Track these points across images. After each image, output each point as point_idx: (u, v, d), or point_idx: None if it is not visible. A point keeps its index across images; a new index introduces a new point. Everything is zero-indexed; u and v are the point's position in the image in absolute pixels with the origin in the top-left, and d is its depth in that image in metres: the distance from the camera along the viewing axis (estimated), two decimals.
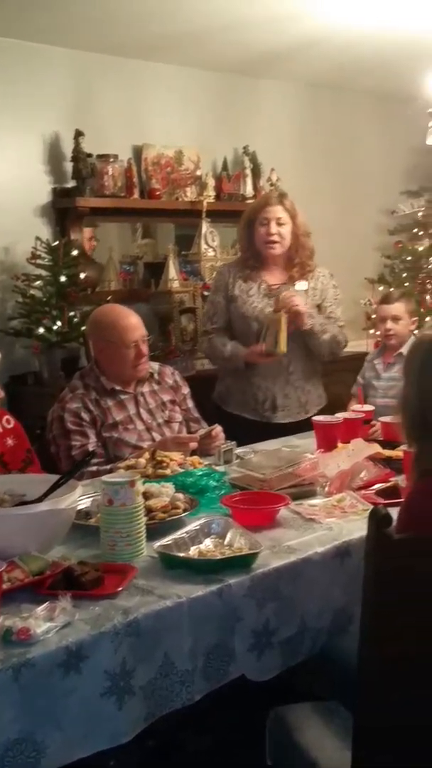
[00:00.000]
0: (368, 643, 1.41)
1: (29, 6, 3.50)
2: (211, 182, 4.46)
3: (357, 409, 2.97)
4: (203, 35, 3.98)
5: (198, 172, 4.51)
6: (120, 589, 1.66)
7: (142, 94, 4.33)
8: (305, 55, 4.39)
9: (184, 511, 2.05)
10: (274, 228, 3.17)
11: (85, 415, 2.80)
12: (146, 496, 2.08)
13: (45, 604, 1.58)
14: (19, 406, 3.84)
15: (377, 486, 2.28)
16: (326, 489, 2.28)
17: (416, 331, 3.59)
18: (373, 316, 4.37)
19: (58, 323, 3.67)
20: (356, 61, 4.51)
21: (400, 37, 4.05)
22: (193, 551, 1.83)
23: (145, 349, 2.84)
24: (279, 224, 3.17)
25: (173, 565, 1.77)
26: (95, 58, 4.12)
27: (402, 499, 1.85)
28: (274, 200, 3.22)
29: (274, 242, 3.18)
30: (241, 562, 1.76)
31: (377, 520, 1.29)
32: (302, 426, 3.12)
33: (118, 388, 2.86)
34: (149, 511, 2.02)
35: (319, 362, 3.34)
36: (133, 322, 2.87)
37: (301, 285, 3.21)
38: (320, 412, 3.34)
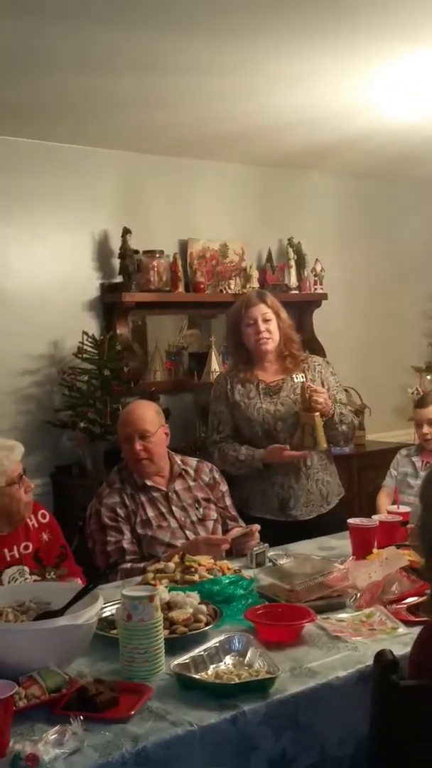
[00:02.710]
0: None
1: (84, 116, 3.70)
2: (255, 274, 4.53)
3: (392, 509, 2.91)
4: (248, 135, 4.12)
5: (243, 264, 4.60)
6: (132, 712, 1.64)
7: (188, 190, 4.48)
8: (349, 149, 4.48)
9: (207, 624, 2.02)
10: (262, 326, 3.15)
11: (120, 511, 2.81)
12: (170, 605, 2.07)
13: (56, 727, 1.57)
14: (64, 497, 3.92)
15: (409, 600, 2.22)
16: (356, 602, 2.23)
17: None
18: None
19: (102, 416, 3.73)
20: (406, 151, 4.57)
21: None
22: (211, 671, 1.80)
23: (139, 445, 2.81)
24: (265, 320, 3.16)
25: (189, 687, 1.75)
26: (142, 158, 4.30)
27: None
28: (255, 300, 3.21)
29: (266, 339, 3.16)
30: (258, 687, 1.72)
31: (383, 665, 1.24)
32: (325, 518, 3.12)
33: (149, 483, 2.87)
34: (171, 623, 2.01)
35: (330, 452, 3.29)
36: (131, 416, 2.88)
37: (299, 378, 3.19)
38: (342, 502, 3.30)
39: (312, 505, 3.20)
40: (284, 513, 3.18)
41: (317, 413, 3.04)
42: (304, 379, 3.18)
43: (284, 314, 3.25)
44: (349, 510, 3.20)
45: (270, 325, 3.18)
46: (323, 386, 3.21)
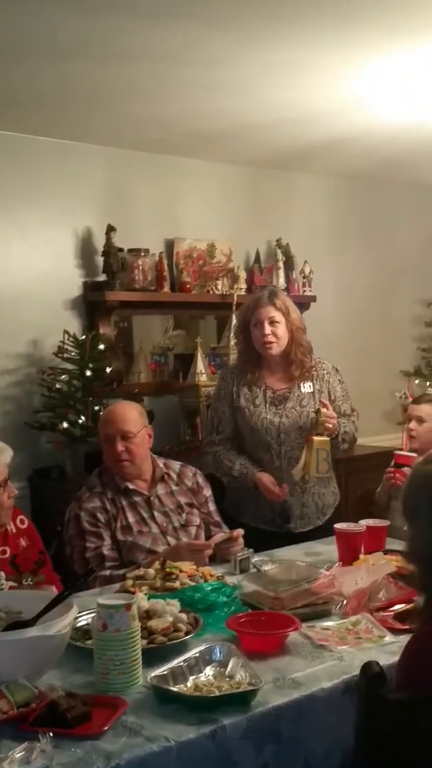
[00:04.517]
0: None
1: (65, 108, 3.61)
2: (243, 275, 4.46)
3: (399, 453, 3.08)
4: (237, 133, 4.04)
5: (230, 265, 4.52)
6: (105, 728, 1.55)
7: (175, 188, 4.40)
8: (340, 150, 4.42)
9: (187, 633, 1.94)
10: (267, 329, 3.07)
11: (101, 516, 2.74)
12: (149, 614, 1.99)
13: (24, 744, 1.48)
14: (42, 501, 3.82)
15: (397, 607, 2.14)
16: (342, 610, 2.15)
17: None
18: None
19: (83, 418, 3.64)
20: (397, 154, 4.52)
21: None
22: (190, 683, 1.72)
23: (120, 446, 2.74)
24: (272, 323, 3.08)
25: (166, 700, 1.66)
26: (128, 154, 4.21)
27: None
28: (265, 301, 3.12)
29: (270, 342, 3.08)
30: (239, 700, 1.63)
31: (369, 678, 1.16)
32: (321, 530, 3.03)
33: (131, 487, 2.79)
34: (150, 632, 1.92)
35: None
36: (113, 416, 2.81)
37: (306, 387, 3.12)
38: (337, 510, 3.23)
39: (307, 518, 3.13)
40: (277, 525, 3.10)
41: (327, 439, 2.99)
42: (311, 389, 3.10)
43: (295, 316, 3.15)
44: (342, 519, 3.11)
45: (277, 328, 3.09)
46: (330, 396, 3.16)
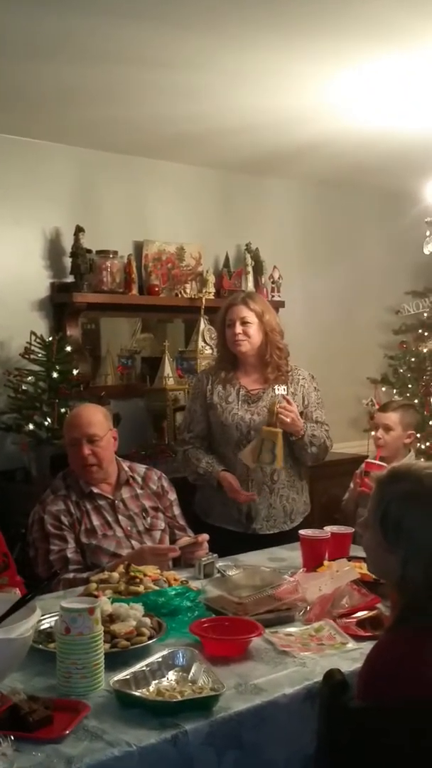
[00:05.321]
0: None
1: (36, 107, 3.58)
2: (212, 279, 4.46)
3: (371, 462, 3.14)
4: (208, 136, 4.04)
5: (199, 269, 4.52)
6: (67, 732, 1.54)
7: (145, 191, 4.39)
8: (310, 156, 4.44)
9: (150, 638, 1.94)
10: (238, 327, 3.12)
11: (65, 519, 2.73)
12: (112, 618, 1.98)
13: None
14: (6, 503, 3.77)
15: (359, 614, 2.15)
16: (305, 615, 2.16)
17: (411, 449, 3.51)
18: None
19: (49, 420, 3.61)
20: (368, 160, 4.54)
21: (404, 139, 4.08)
22: (153, 687, 1.71)
23: (87, 449, 2.73)
24: (243, 323, 3.13)
25: (128, 704, 1.65)
26: (98, 155, 4.19)
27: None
28: (238, 300, 3.19)
29: (240, 341, 3.13)
30: (201, 705, 1.63)
31: (331, 686, 1.16)
32: (288, 536, 3.03)
33: (95, 491, 2.78)
34: (113, 636, 1.91)
35: (304, 467, 3.24)
36: (79, 420, 2.79)
37: (279, 389, 3.14)
38: (306, 519, 3.24)
39: (274, 521, 3.14)
40: (243, 525, 3.11)
41: (281, 431, 3.00)
42: (285, 392, 3.11)
43: (270, 318, 3.20)
44: (308, 525, 3.12)
45: (249, 328, 3.14)
46: (303, 401, 3.19)
